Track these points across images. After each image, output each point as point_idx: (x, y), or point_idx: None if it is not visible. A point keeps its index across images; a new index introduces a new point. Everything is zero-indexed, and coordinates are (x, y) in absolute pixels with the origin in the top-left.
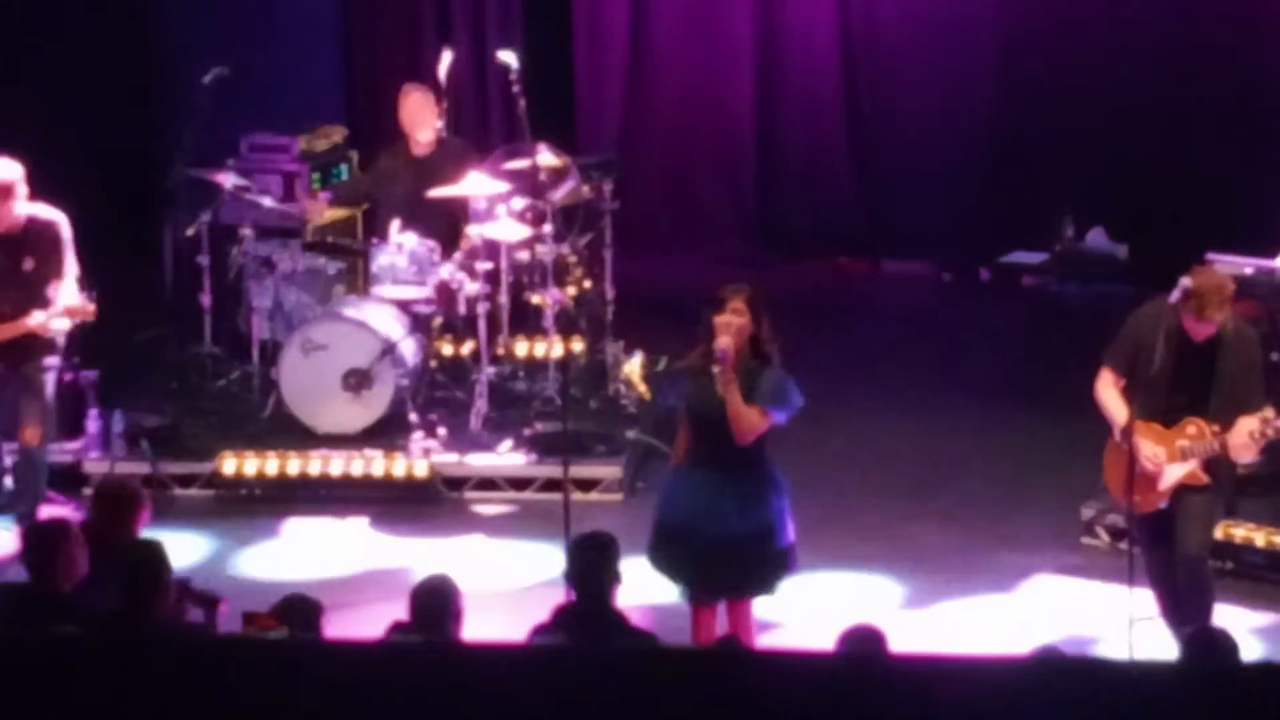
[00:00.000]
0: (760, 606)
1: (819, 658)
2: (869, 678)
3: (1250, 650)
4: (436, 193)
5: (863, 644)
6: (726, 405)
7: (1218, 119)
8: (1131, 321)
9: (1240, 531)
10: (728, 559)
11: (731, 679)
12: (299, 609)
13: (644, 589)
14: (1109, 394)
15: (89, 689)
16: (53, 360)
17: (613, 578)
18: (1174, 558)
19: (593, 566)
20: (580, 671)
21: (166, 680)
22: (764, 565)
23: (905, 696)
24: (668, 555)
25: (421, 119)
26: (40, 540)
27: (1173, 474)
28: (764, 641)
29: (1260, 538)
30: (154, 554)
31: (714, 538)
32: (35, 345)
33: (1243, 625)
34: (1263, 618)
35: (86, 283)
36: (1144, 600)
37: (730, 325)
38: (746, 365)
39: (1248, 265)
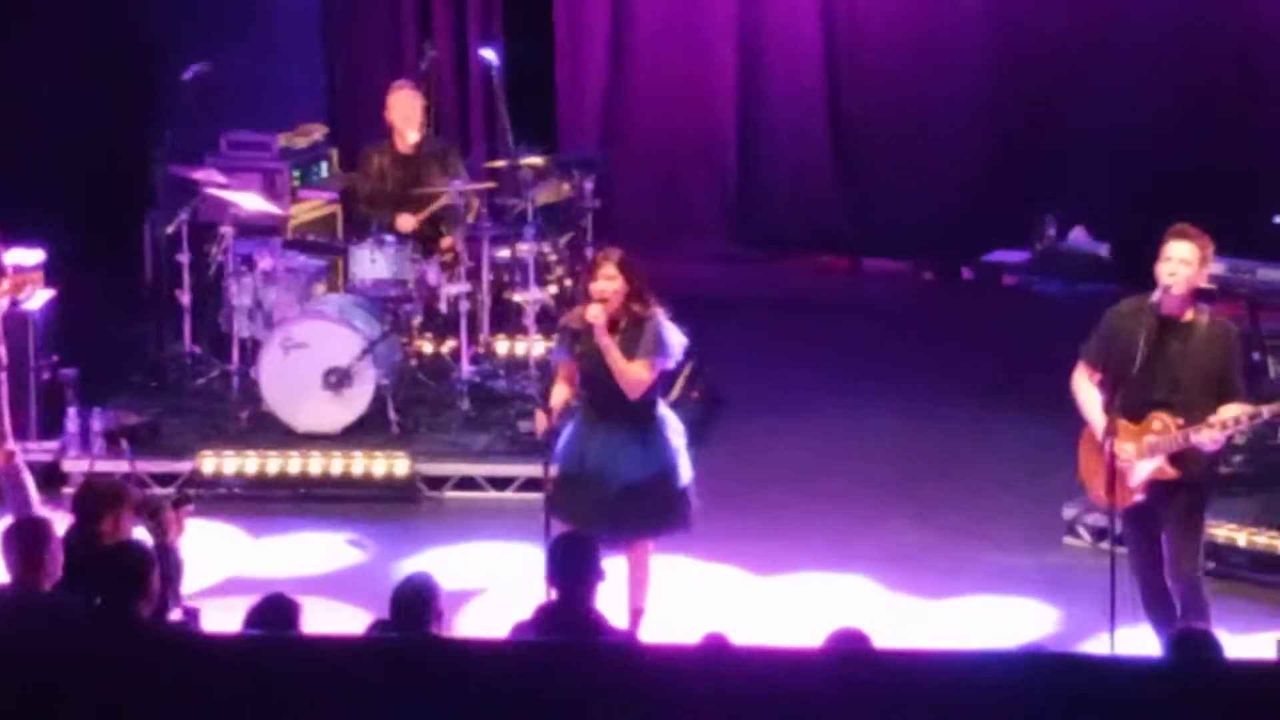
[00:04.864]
0: (745, 599)
1: (803, 655)
2: (853, 674)
3: (1233, 650)
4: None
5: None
6: (611, 367)
7: (1201, 118)
8: (1110, 317)
9: (1222, 532)
10: (634, 502)
11: (715, 676)
12: (278, 609)
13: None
14: (1085, 389)
15: (76, 691)
16: None
17: (595, 577)
18: (1157, 553)
19: (574, 565)
20: (561, 668)
21: (150, 679)
22: (667, 504)
23: (891, 692)
24: (575, 504)
25: (413, 116)
26: (21, 539)
27: (1142, 470)
28: (746, 640)
29: (1242, 538)
30: (137, 556)
31: (621, 485)
32: None
33: (1225, 625)
34: (1245, 617)
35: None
36: (1126, 600)
37: (602, 292)
38: (627, 324)
39: (1222, 264)
